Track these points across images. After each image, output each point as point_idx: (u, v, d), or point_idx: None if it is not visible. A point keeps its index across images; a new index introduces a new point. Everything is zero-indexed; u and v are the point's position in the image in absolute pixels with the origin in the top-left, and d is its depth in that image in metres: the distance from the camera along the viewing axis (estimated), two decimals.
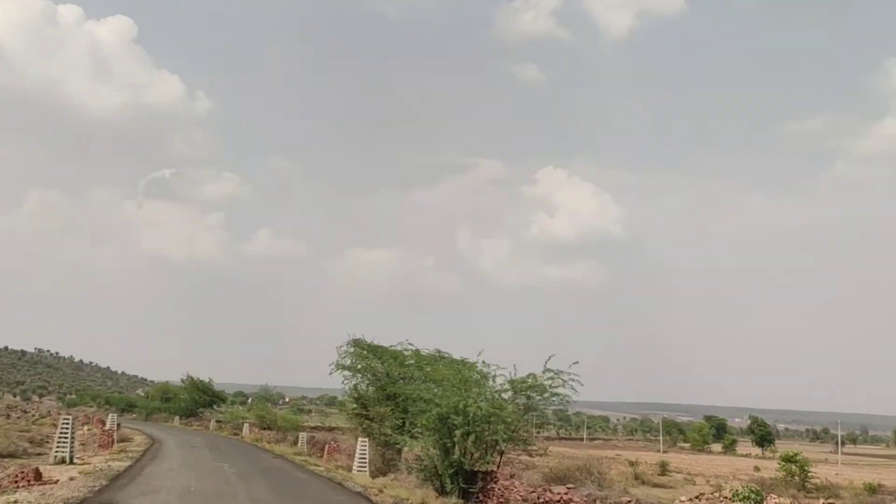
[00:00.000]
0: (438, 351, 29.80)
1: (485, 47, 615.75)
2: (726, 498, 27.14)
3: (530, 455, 22.33)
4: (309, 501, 16.83)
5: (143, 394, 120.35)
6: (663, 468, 49.15)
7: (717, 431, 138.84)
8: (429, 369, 26.97)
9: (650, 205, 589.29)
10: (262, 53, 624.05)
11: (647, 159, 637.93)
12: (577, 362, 21.07)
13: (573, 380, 20.79)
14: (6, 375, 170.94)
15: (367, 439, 23.71)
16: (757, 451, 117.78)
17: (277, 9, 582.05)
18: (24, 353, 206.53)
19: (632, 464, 45.62)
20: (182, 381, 75.92)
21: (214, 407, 76.80)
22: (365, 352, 30.29)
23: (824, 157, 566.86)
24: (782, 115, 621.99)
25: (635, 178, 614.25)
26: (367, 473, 22.18)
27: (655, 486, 38.10)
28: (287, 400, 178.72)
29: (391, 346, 30.16)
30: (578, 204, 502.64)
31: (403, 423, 26.79)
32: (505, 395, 21.33)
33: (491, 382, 21.51)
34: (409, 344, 29.98)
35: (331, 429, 73.70)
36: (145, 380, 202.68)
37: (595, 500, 15.55)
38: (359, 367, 30.41)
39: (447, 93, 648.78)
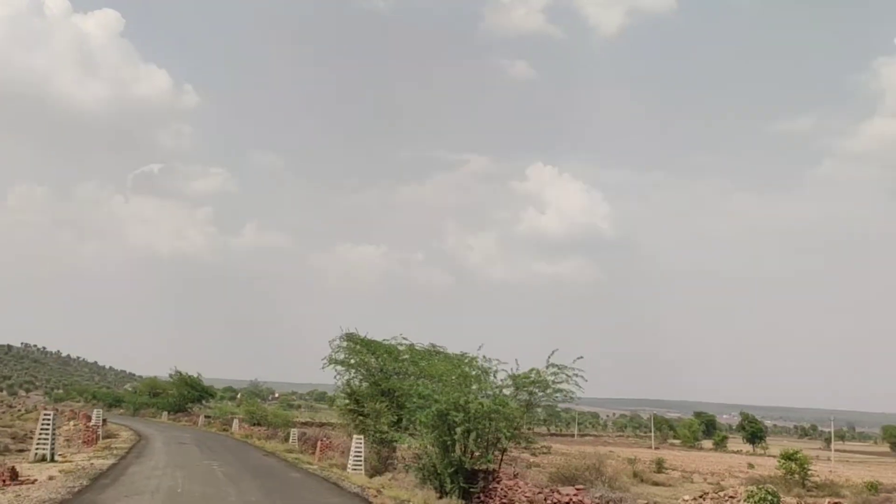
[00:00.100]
0: (433, 345, 29.12)
1: (475, 43, 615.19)
2: (731, 497, 26.52)
3: (533, 454, 21.44)
4: None
5: (131, 389, 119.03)
6: (660, 465, 48.53)
7: (706, 428, 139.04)
8: (424, 364, 26.27)
9: (640, 202, 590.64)
10: (251, 48, 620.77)
11: (637, 157, 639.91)
12: (581, 357, 20.38)
13: (577, 375, 20.05)
14: None
15: (361, 437, 22.79)
16: (748, 447, 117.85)
17: (266, 3, 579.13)
18: (10, 347, 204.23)
19: (630, 461, 44.94)
20: (170, 376, 75.00)
21: (203, 402, 75.94)
22: (358, 346, 29.56)
23: (813, 157, 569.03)
24: (772, 113, 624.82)
25: (625, 176, 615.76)
26: (363, 472, 21.29)
27: (654, 484, 37.42)
28: (276, 395, 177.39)
29: (385, 341, 29.45)
30: (568, 201, 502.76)
31: (399, 419, 26.02)
32: (506, 391, 20.54)
33: (492, 378, 20.69)
34: (404, 338, 29.31)
35: (321, 424, 72.76)
36: (133, 375, 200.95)
37: (608, 503, 14.70)
38: (352, 361, 29.68)
39: (437, 88, 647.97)
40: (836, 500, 27.38)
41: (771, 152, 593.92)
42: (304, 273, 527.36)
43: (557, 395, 20.40)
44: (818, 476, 42.54)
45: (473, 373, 20.39)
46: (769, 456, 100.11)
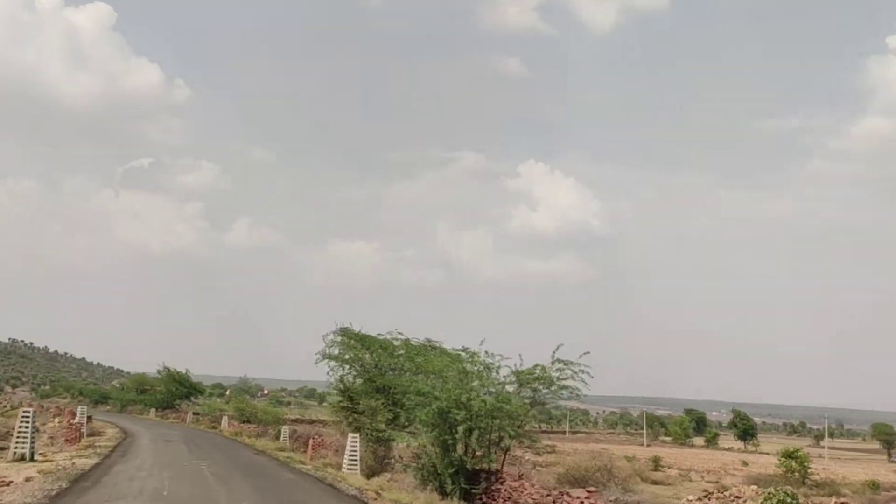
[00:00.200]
0: (429, 340, 28.35)
1: (468, 40, 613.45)
2: (737, 497, 25.80)
3: (537, 453, 20.58)
4: None
5: (118, 385, 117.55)
6: (656, 463, 47.88)
7: (696, 425, 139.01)
8: (420, 360, 25.47)
9: (632, 200, 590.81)
10: (243, 43, 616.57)
11: (629, 154, 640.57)
12: (588, 353, 19.58)
13: (584, 371, 19.23)
14: None
15: (357, 435, 21.88)
16: (739, 445, 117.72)
17: None
18: None
19: (629, 459, 44.23)
20: (158, 372, 73.86)
21: (192, 399, 74.85)
22: (353, 341, 28.73)
23: (802, 154, 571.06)
24: (762, 111, 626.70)
25: (616, 173, 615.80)
26: (359, 473, 20.37)
27: (654, 482, 36.71)
28: (266, 392, 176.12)
29: (379, 336, 28.64)
30: (559, 198, 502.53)
31: (395, 417, 25.19)
32: (509, 388, 19.70)
33: (494, 374, 19.82)
34: (399, 333, 28.53)
35: (311, 421, 71.89)
36: (122, 371, 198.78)
37: None
38: (346, 357, 28.86)
39: (429, 85, 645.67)
40: (844, 501, 26.69)
41: (761, 150, 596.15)
42: (295, 268, 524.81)
43: (563, 392, 19.60)
44: (818, 474, 41.97)
45: (476, 369, 19.47)
46: (761, 453, 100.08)
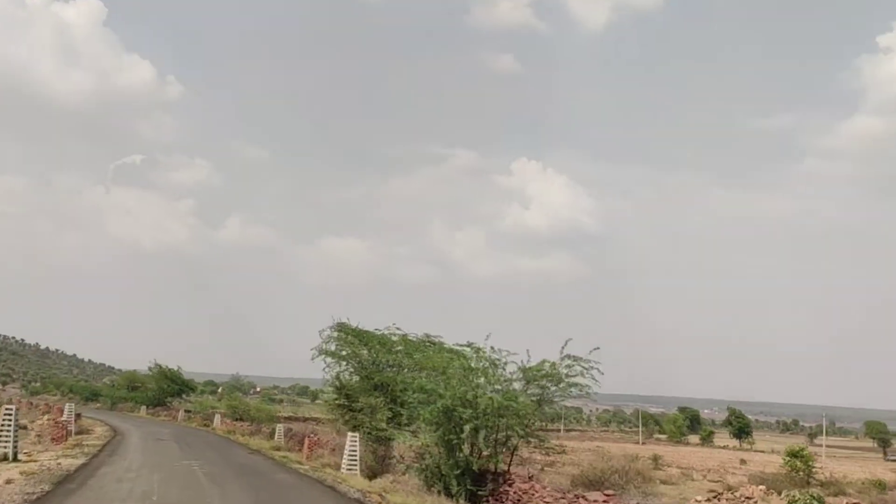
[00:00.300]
0: (428, 336, 27.55)
1: (461, 37, 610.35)
2: (748, 498, 25.05)
3: (546, 454, 19.76)
4: None
5: (109, 382, 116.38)
6: (656, 462, 47.20)
7: (691, 423, 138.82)
8: (419, 356, 24.66)
9: (625, 198, 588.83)
10: (236, 40, 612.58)
11: (623, 153, 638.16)
12: (598, 348, 18.80)
13: (593, 368, 18.43)
14: None
15: (356, 434, 20.99)
16: (734, 442, 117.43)
17: None
18: None
19: (631, 459, 43.45)
20: (150, 369, 72.81)
21: (183, 396, 73.81)
22: (350, 337, 27.86)
23: (796, 153, 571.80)
24: (757, 110, 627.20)
25: (609, 171, 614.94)
26: (359, 473, 19.49)
27: (662, 482, 35.92)
28: (258, 389, 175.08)
29: (377, 331, 27.80)
30: (552, 196, 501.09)
31: (395, 415, 24.37)
32: (515, 385, 18.86)
33: (500, 371, 18.96)
34: (397, 328, 27.71)
35: (305, 419, 71.00)
36: (113, 368, 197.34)
37: None
38: (343, 353, 28.01)
39: (423, 82, 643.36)
40: (855, 502, 26.02)
41: (756, 149, 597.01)
42: (287, 265, 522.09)
43: (572, 389, 18.80)
44: (822, 474, 41.36)
45: (482, 365, 18.62)
46: (757, 451, 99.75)
